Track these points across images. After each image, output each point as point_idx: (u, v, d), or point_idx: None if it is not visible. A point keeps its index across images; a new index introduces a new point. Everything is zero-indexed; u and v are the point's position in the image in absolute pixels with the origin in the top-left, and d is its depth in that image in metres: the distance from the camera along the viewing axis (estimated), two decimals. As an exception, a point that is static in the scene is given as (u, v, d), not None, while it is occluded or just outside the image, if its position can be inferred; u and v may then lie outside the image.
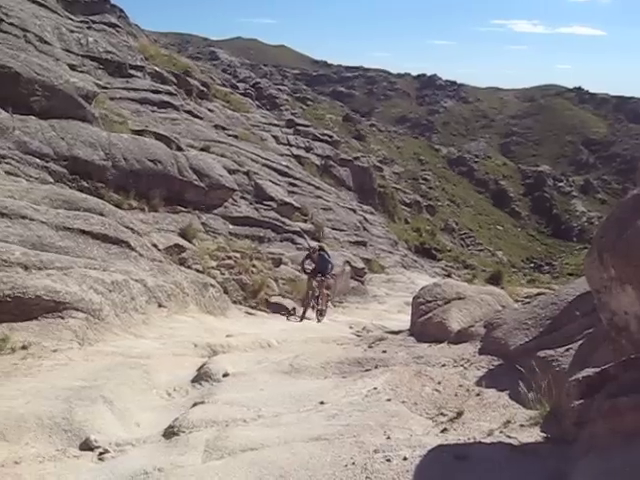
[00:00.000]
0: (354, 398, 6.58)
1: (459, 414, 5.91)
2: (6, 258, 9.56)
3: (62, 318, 9.19)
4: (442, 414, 6.01)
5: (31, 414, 6.10)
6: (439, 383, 6.75)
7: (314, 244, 18.42)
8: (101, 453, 5.68)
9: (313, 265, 17.00)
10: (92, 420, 6.19)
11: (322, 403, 6.51)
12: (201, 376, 8.03)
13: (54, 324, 9.05)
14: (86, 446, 5.78)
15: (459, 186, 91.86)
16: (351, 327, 15.48)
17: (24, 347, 8.28)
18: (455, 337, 8.65)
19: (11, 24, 20.05)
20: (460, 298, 10.08)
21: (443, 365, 7.52)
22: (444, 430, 5.65)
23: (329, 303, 17.92)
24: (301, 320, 15.49)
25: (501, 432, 5.41)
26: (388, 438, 5.38)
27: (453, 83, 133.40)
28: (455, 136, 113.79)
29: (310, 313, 16.38)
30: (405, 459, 4.94)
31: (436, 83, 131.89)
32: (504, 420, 5.67)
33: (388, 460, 4.95)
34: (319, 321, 16.20)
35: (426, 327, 9.62)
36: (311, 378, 7.76)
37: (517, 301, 12.19)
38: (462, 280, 24.20)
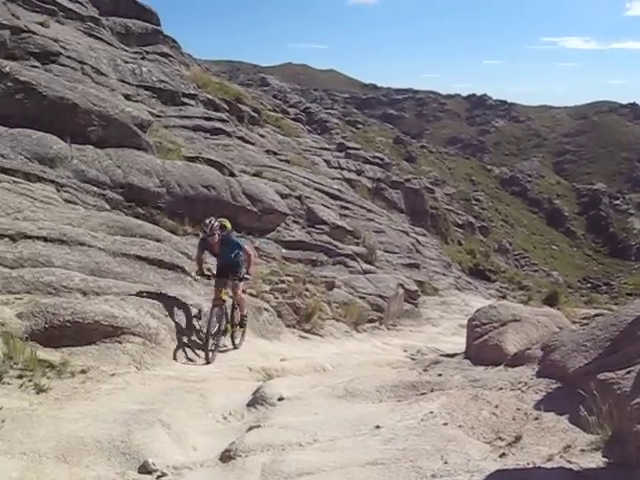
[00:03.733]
0: (410, 422, 6.53)
1: (517, 438, 5.82)
2: (66, 284, 9.82)
3: (120, 343, 9.34)
4: (500, 438, 5.93)
5: (91, 437, 6.21)
6: (496, 407, 6.66)
7: (212, 221, 11.16)
8: (159, 477, 5.76)
9: (215, 257, 11.92)
10: (150, 443, 6.28)
11: (378, 427, 6.48)
12: (256, 400, 8.07)
13: (112, 348, 9.21)
14: (144, 469, 5.87)
15: (512, 206, 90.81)
16: (405, 350, 15.36)
17: (83, 371, 8.43)
18: (512, 360, 8.51)
19: (69, 57, 20.65)
20: (516, 320, 9.92)
21: (500, 388, 7.41)
22: (502, 455, 5.57)
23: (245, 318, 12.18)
24: (208, 360, 10.34)
25: (561, 457, 5.31)
26: (445, 463, 5.33)
27: (503, 102, 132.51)
28: (507, 156, 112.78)
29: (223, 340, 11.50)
30: (463, 484, 4.90)
31: (486, 103, 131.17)
32: (564, 445, 5.55)
33: (446, 485, 4.91)
34: (235, 347, 11.79)
35: (482, 350, 9.48)
36: (366, 402, 7.72)
37: (575, 322, 11.97)
38: (517, 301, 23.85)
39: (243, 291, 12.40)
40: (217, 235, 11.27)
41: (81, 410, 7.09)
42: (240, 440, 6.31)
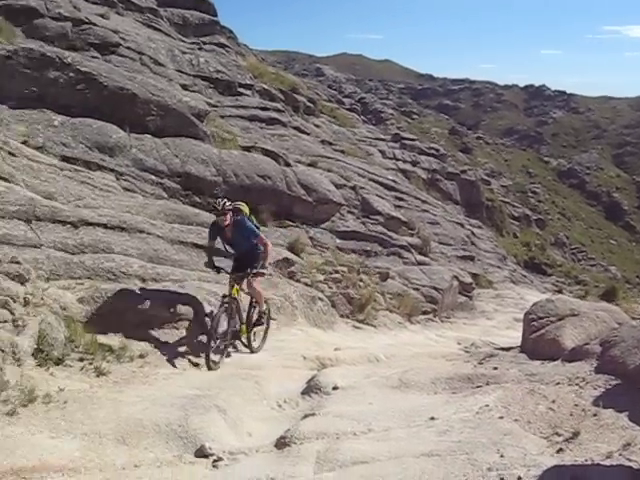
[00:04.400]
0: (465, 415, 6.48)
1: (575, 434, 5.73)
2: (125, 270, 10.02)
3: (177, 329, 9.51)
4: (557, 434, 5.85)
5: (149, 420, 6.34)
6: (553, 402, 6.56)
7: (225, 202, 9.65)
8: (215, 461, 5.85)
9: (228, 247, 10.31)
10: (206, 428, 6.38)
11: (432, 419, 6.45)
12: (311, 388, 8.11)
13: (170, 334, 9.38)
14: (201, 453, 5.97)
15: (570, 199, 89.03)
16: (459, 343, 15.23)
17: (141, 356, 8.61)
18: (569, 355, 8.37)
19: (128, 48, 20.99)
20: (574, 315, 9.75)
21: (557, 383, 7.29)
22: (559, 450, 5.49)
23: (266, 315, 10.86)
24: (209, 366, 8.85)
25: (620, 455, 5.22)
26: (501, 456, 5.28)
27: (562, 93, 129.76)
28: (565, 147, 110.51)
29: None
30: (519, 478, 4.86)
31: (544, 93, 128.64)
32: (623, 442, 5.45)
33: (502, 479, 4.87)
34: (252, 351, 10.21)
35: (538, 344, 9.35)
36: (420, 393, 7.69)
37: (634, 318, 11.72)
38: (574, 296, 23.42)
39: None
40: (229, 216, 9.66)
41: (139, 394, 7.24)
42: (295, 427, 6.36)
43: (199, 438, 6.18)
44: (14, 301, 7.68)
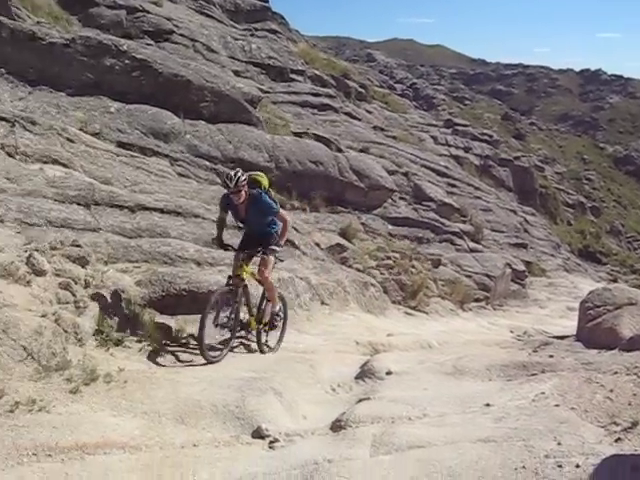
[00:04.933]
0: (521, 402, 6.42)
1: (634, 424, 5.63)
2: (181, 254, 10.17)
3: (231, 312, 9.60)
4: (615, 423, 5.75)
5: (207, 401, 6.43)
6: (611, 391, 6.45)
7: (238, 174, 8.29)
8: (271, 442, 5.90)
9: (241, 224, 9.03)
10: (263, 410, 6.44)
11: (488, 405, 6.42)
12: (364, 373, 8.13)
13: (224, 318, 9.48)
14: (257, 434, 6.03)
15: (626, 186, 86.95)
16: (512, 331, 15.11)
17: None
18: (627, 344, 8.20)
19: (181, 35, 21.24)
20: (632, 304, 9.55)
21: (615, 372, 7.15)
22: (618, 440, 5.40)
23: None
24: (207, 359, 7.85)
25: (682, 444, 5.12)
26: (559, 444, 5.22)
27: (619, 77, 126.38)
28: (622, 134, 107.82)
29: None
30: (578, 466, 4.79)
31: (601, 78, 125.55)
32: (684, 432, 5.35)
33: (560, 466, 4.81)
34: (262, 351, 8.97)
35: (595, 333, 9.20)
36: (475, 380, 7.65)
37: (694, 309, 11.44)
38: (630, 285, 22.96)
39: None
40: (244, 193, 8.36)
41: (196, 375, 7.34)
42: (350, 411, 6.38)
43: (256, 419, 6.24)
44: (75, 283, 7.88)
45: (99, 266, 8.74)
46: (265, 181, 8.97)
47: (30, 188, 9.87)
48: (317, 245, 13.61)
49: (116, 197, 10.93)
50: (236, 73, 21.59)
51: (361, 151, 21.65)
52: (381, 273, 15.20)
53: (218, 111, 16.71)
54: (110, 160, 12.72)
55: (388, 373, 7.98)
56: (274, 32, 29.50)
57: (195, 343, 8.29)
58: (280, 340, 9.38)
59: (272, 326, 9.15)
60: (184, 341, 8.52)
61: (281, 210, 8.96)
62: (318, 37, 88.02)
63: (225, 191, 8.66)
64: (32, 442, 5.12)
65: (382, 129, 28.37)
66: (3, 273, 7.22)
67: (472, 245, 21.08)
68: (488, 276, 18.81)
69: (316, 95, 25.47)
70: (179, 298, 9.02)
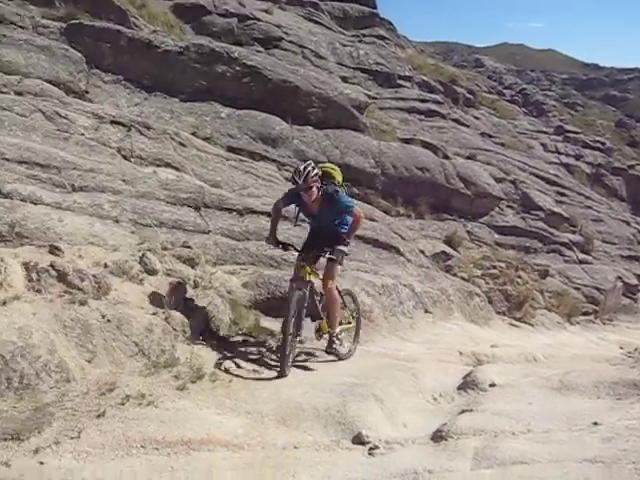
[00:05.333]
0: (631, 422, 6.15)
1: None
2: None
3: (335, 317, 9.65)
4: None
5: (308, 404, 6.48)
6: None
7: (309, 167, 7.57)
8: (371, 448, 5.88)
9: (307, 218, 8.39)
10: (364, 416, 6.42)
11: (596, 424, 6.18)
12: (467, 384, 7.99)
13: (327, 322, 9.53)
14: (358, 440, 6.01)
15: None
16: (622, 347, 14.49)
17: (300, 341, 8.74)
18: None
19: (290, 42, 21.58)
20: None
21: None
22: None
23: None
24: (282, 373, 7.26)
25: None
26: (672, 469, 4.99)
27: None
28: None
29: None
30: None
31: None
32: None
33: (671, 492, 4.61)
34: (340, 357, 8.28)
35: None
36: (582, 397, 7.38)
37: None
38: None
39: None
40: (315, 189, 7.54)
41: (298, 378, 7.40)
42: (452, 422, 6.29)
43: (356, 425, 6.24)
44: (185, 283, 8.13)
45: (208, 267, 8.98)
46: (339, 175, 8.21)
47: (144, 190, 10.23)
48: (422, 252, 13.51)
49: (225, 200, 11.18)
50: (344, 79, 21.73)
51: (468, 158, 21.35)
52: (486, 282, 14.93)
53: (325, 117, 16.87)
54: (220, 164, 13.03)
55: (491, 385, 7.82)
56: (382, 38, 29.48)
57: (299, 344, 8.35)
58: (356, 340, 8.75)
59: (330, 350, 8.09)
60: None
61: (356, 208, 8.12)
62: (426, 43, 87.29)
63: (293, 189, 7.81)
64: (140, 435, 5.30)
65: (490, 136, 27.88)
66: (118, 271, 7.54)
67: (581, 256, 20.41)
68: (598, 289, 18.17)
69: (423, 101, 25.29)
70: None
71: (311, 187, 7.47)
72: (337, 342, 8.06)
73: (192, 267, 8.58)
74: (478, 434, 5.96)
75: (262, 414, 6.22)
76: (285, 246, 8.10)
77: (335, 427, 6.21)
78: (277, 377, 7.23)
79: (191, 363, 6.88)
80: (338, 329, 8.10)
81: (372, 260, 11.91)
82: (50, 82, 12.67)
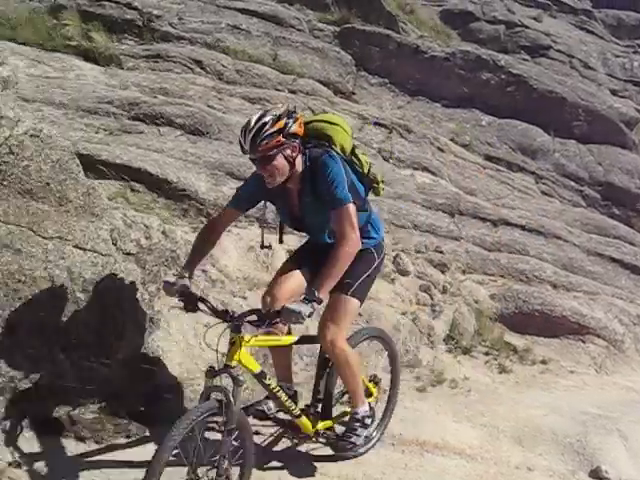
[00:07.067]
0: None
1: None
2: (538, 274, 10.00)
3: (583, 342, 9.23)
4: None
5: (547, 427, 6.30)
6: None
7: (270, 116, 3.83)
8: (607, 486, 5.61)
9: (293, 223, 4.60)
10: (605, 450, 6.10)
11: None
12: None
13: (574, 346, 9.15)
14: (595, 475, 5.74)
15: None
16: None
17: (543, 362, 8.56)
18: None
19: (558, 51, 20.76)
20: None
21: None
22: None
23: None
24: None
25: None
26: None
27: None
28: None
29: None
30: None
31: None
32: None
33: None
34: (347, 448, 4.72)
35: None
36: None
37: None
38: None
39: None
40: (281, 159, 3.94)
41: (538, 399, 7.22)
42: None
43: (596, 458, 5.94)
44: (434, 287, 8.23)
45: (457, 274, 9.00)
46: (345, 136, 4.35)
47: (401, 192, 10.44)
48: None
49: (480, 209, 11.10)
50: (613, 92, 20.54)
51: None
52: None
53: (591, 131, 16.09)
54: (476, 172, 12.96)
55: None
56: (662, 49, 27.52)
57: (542, 365, 8.11)
58: (383, 424, 5.45)
59: (346, 438, 4.67)
60: (530, 362, 8.43)
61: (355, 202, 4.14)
62: None
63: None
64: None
65: None
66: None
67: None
68: None
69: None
70: (530, 318, 8.94)
71: (270, 156, 3.88)
72: (359, 427, 4.71)
73: (442, 272, 8.65)
74: None
75: (498, 429, 6.16)
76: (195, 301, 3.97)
77: (573, 456, 5.99)
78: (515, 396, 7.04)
79: (433, 367, 6.98)
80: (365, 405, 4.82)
81: (629, 287, 11.19)
82: (320, 82, 13.29)
